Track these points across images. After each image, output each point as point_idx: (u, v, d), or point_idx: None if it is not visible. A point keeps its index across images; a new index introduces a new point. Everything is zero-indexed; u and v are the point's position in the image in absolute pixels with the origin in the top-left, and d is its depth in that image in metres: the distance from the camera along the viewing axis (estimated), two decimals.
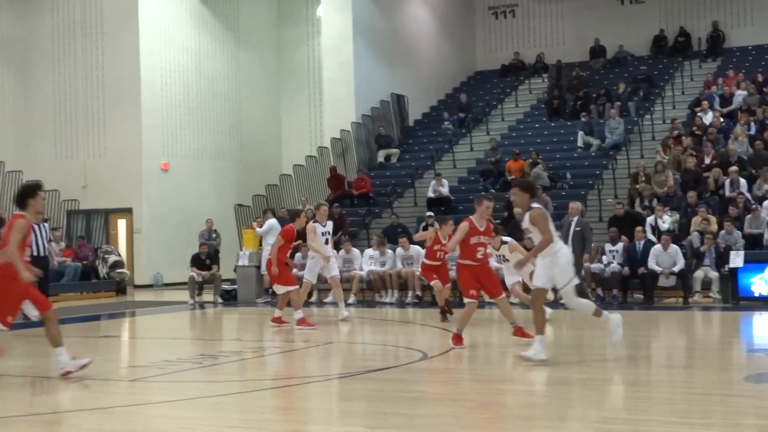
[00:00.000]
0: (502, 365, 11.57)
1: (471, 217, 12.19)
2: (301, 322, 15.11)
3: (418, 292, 20.75)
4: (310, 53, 34.36)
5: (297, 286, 15.59)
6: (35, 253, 18.31)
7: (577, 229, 18.83)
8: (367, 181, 27.73)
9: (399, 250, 21.37)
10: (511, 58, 35.84)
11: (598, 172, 26.20)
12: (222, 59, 32.41)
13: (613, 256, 20.20)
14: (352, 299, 20.80)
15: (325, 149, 30.05)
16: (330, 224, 17.04)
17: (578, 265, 18.91)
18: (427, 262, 16.47)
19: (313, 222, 15.88)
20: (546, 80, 33.42)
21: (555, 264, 10.44)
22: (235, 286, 23.19)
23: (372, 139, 30.93)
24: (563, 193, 24.89)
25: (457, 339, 12.07)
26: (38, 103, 30.67)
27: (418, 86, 33.53)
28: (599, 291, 20.14)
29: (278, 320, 15.53)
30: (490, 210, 12.30)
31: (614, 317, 11.03)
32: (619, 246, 20.21)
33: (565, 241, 19.02)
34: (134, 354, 14.62)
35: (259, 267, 22.57)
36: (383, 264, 21.45)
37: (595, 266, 20.05)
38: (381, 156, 30.56)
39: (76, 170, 29.86)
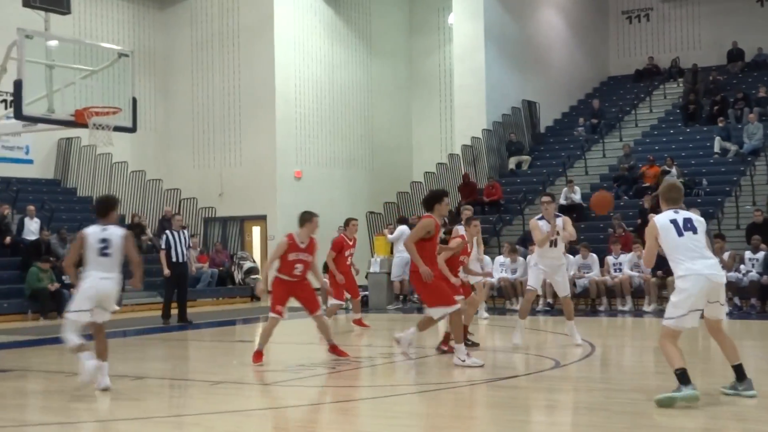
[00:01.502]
0: (637, 374, 11.32)
1: (292, 232, 11.84)
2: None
3: (550, 300, 20.47)
4: (442, 61, 34.37)
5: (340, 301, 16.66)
6: (174, 259, 18.86)
7: None
8: (497, 188, 27.58)
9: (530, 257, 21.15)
10: (645, 62, 35.16)
11: (735, 179, 25.45)
12: (354, 69, 32.73)
13: (753, 265, 19.58)
14: (482, 306, 20.70)
15: (456, 156, 30.02)
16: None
17: None
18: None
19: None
20: (681, 85, 32.64)
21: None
22: (367, 293, 23.33)
23: (503, 146, 30.76)
24: (699, 200, 24.25)
25: (258, 356, 11.76)
26: (177, 114, 31.53)
27: (549, 92, 33.19)
28: (736, 300, 19.52)
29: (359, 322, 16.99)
30: (316, 227, 11.93)
31: (90, 364, 9.63)
32: (760, 254, 19.57)
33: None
34: (268, 358, 14.83)
35: (389, 273, 22.79)
36: (514, 271, 21.28)
37: (732, 275, 19.45)
38: (512, 163, 30.35)
39: (213, 178, 30.57)
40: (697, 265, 8.47)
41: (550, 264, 12.98)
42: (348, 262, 16.75)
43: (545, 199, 13.20)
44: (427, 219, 11.06)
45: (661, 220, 8.72)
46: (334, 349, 12.16)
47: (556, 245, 12.93)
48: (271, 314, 11.94)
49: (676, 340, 8.47)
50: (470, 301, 13.42)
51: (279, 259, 11.81)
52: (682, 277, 8.46)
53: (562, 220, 12.96)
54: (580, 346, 12.87)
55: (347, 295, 16.90)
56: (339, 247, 16.53)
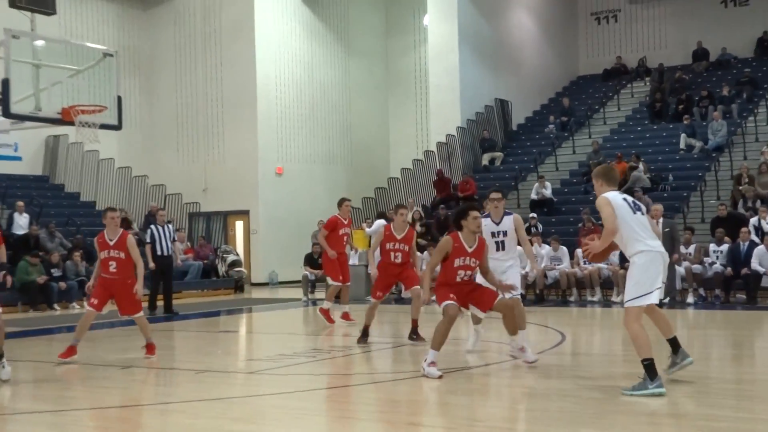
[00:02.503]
0: (605, 362, 11.42)
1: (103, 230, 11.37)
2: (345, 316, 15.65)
3: (522, 291, 20.51)
4: (417, 61, 34.43)
5: (338, 282, 15.65)
6: (159, 253, 18.84)
7: (666, 230, 18.44)
8: (471, 183, 27.64)
9: None
10: (613, 62, 35.32)
11: (700, 174, 25.62)
12: (333, 68, 32.73)
13: (717, 257, 19.74)
14: None
15: (432, 153, 30.07)
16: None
17: (670, 265, 18.53)
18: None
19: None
20: (648, 84, 32.82)
21: None
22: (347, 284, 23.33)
23: (476, 143, 30.84)
24: (665, 195, 24.41)
25: (69, 351, 11.36)
26: (162, 112, 31.45)
27: (521, 91, 33.29)
28: (701, 291, 19.69)
29: (345, 316, 15.76)
30: (116, 221, 11.29)
31: None
32: (724, 247, 19.73)
33: None
34: (251, 348, 14.87)
35: (367, 266, 22.75)
36: None
37: (697, 267, 19.61)
38: (485, 159, 30.43)
39: (197, 175, 30.52)
40: (654, 242, 8.40)
41: (495, 267, 10.65)
42: (344, 242, 15.84)
43: (494, 195, 11.20)
44: (444, 239, 9.79)
45: (615, 197, 8.45)
46: (149, 348, 11.65)
47: (504, 248, 10.98)
48: (87, 307, 11.50)
49: (641, 322, 8.33)
50: (417, 293, 12.53)
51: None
52: (643, 252, 8.30)
53: (512, 220, 11.05)
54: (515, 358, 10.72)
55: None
56: (332, 226, 15.55)
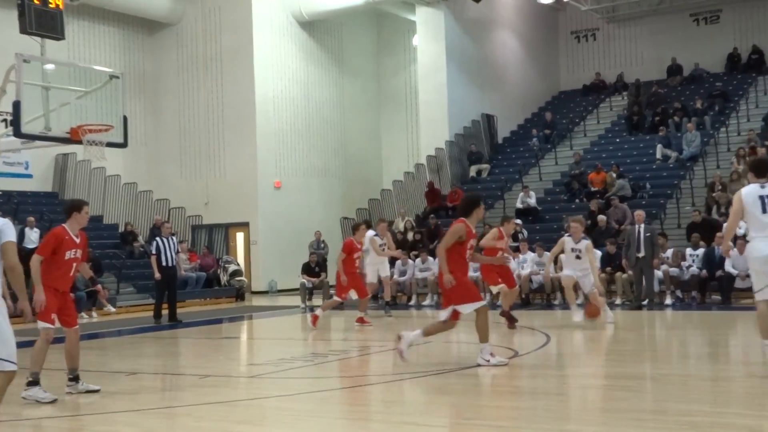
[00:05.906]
0: (589, 362, 11.40)
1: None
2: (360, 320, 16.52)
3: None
4: (407, 79, 34.46)
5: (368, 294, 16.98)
6: (164, 264, 18.77)
7: (647, 234, 18.48)
8: (460, 194, 27.58)
9: None
10: (592, 78, 35.41)
11: (676, 183, 25.67)
12: (327, 87, 32.72)
13: (693, 260, 19.76)
14: None
15: (422, 166, 30.08)
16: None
17: (649, 268, 18.58)
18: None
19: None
20: (626, 98, 32.91)
21: None
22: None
23: (464, 155, 30.86)
24: (643, 203, 24.44)
25: None
26: (166, 130, 31.40)
27: (506, 106, 33.34)
28: (678, 293, 19.69)
29: (361, 320, 16.58)
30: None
31: None
32: (700, 251, 19.76)
33: (637, 247, 18.66)
34: (252, 353, 14.81)
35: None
36: (476, 270, 21.30)
37: (675, 270, 19.61)
38: (473, 171, 30.46)
39: (199, 189, 30.47)
40: None
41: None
42: (356, 264, 16.68)
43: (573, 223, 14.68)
44: (459, 224, 10.25)
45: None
46: None
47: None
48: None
49: None
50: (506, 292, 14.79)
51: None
52: None
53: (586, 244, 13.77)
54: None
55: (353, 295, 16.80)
56: (348, 250, 16.39)
